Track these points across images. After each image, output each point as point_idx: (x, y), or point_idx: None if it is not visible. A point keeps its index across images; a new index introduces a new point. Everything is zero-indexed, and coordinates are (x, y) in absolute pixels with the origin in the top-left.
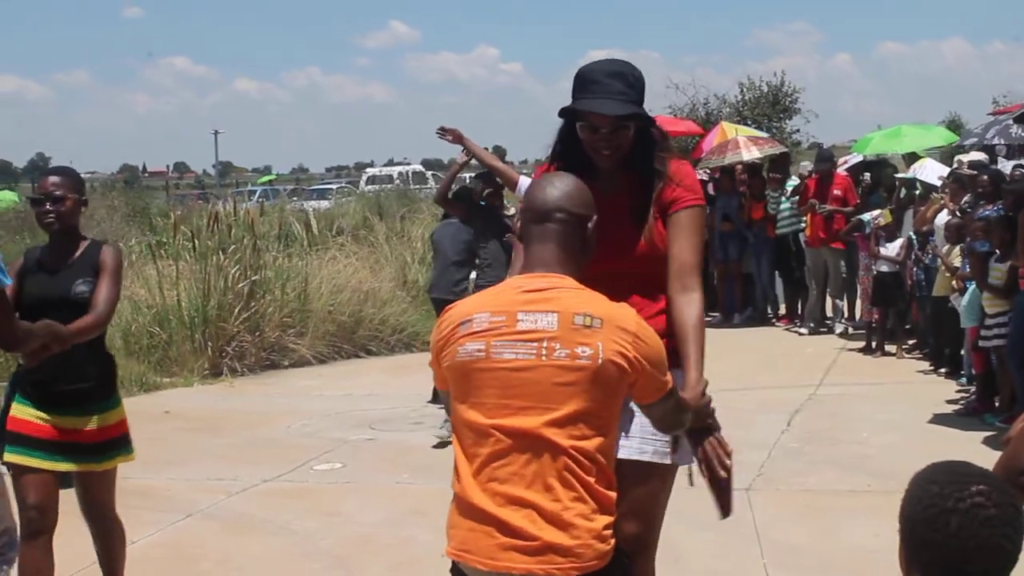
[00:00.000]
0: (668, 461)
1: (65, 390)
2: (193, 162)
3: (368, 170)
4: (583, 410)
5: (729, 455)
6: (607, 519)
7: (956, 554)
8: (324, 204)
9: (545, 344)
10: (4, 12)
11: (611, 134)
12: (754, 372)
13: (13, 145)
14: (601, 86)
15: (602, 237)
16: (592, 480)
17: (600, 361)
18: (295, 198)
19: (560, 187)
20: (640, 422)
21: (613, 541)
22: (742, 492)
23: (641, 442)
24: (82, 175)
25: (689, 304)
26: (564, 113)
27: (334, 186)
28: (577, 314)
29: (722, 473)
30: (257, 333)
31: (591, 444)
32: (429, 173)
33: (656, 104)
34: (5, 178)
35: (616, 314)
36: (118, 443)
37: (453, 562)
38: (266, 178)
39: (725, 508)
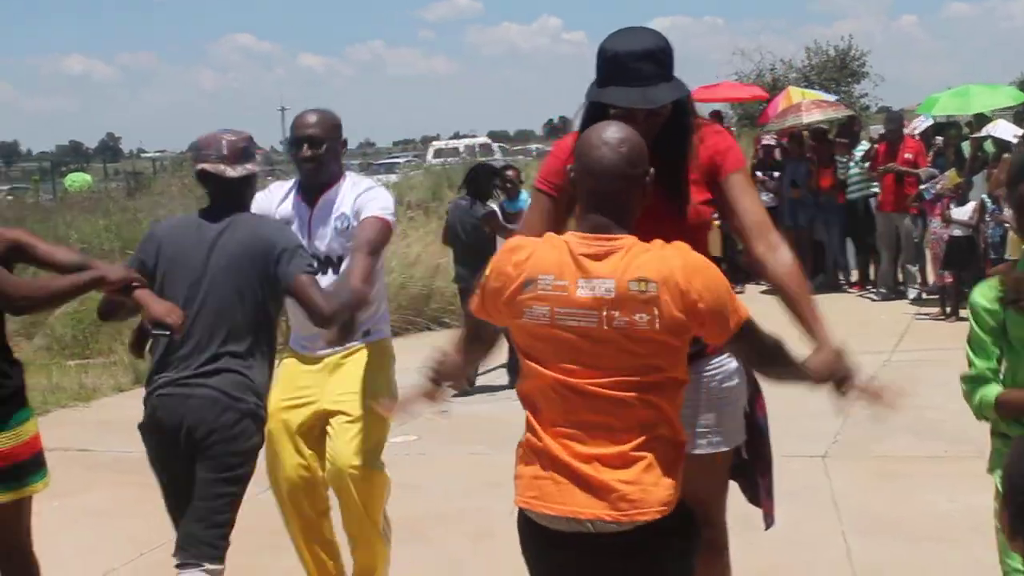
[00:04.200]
0: (722, 449)
1: None
2: (260, 138)
3: (435, 143)
4: (647, 371)
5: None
6: (673, 470)
7: None
8: (392, 178)
9: (605, 312)
10: None
11: (646, 120)
12: None
13: (84, 126)
14: (631, 72)
15: None
16: (659, 432)
17: (658, 325)
18: (363, 172)
19: (615, 146)
20: (694, 417)
21: (678, 494)
22: (818, 460)
23: (695, 436)
24: (151, 154)
25: (782, 261)
26: (592, 102)
27: (401, 160)
28: (632, 280)
29: (895, 404)
30: None
31: (657, 399)
32: (495, 145)
33: (722, 71)
34: (77, 159)
35: (669, 271)
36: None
37: (520, 511)
38: None
39: (768, 518)
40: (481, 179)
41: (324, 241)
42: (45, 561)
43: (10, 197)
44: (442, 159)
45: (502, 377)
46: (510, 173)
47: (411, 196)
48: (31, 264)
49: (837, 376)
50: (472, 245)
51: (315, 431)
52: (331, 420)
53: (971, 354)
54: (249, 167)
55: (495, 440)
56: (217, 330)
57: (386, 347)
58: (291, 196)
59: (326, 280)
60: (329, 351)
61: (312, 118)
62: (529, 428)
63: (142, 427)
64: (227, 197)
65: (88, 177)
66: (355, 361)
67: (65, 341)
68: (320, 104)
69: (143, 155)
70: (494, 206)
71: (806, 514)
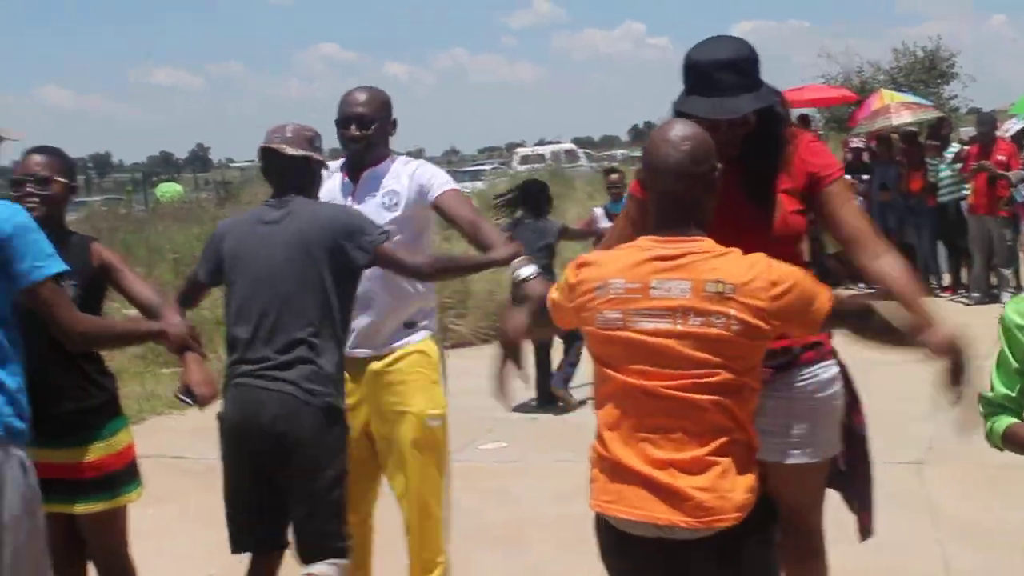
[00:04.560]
0: (815, 460)
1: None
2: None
3: (519, 150)
4: (721, 374)
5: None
6: (748, 475)
7: None
8: (479, 185)
9: (679, 314)
10: (158, 5)
11: (730, 130)
12: None
13: (174, 137)
14: (713, 83)
15: (718, 217)
16: (733, 436)
17: (734, 328)
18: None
19: (680, 145)
20: (788, 427)
21: (754, 496)
22: (914, 466)
23: (789, 446)
24: (240, 163)
25: (893, 266)
26: (678, 113)
27: (487, 167)
28: (709, 282)
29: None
30: None
31: (731, 403)
32: (581, 151)
33: (808, 73)
34: (168, 169)
35: (747, 275)
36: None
37: (597, 515)
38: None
39: (864, 528)
40: (537, 195)
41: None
42: (142, 567)
43: (104, 208)
44: (528, 165)
45: (587, 387)
46: (614, 176)
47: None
48: (115, 289)
49: (957, 353)
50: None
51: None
52: (391, 448)
53: (994, 375)
54: (310, 153)
55: (584, 447)
56: (286, 320)
57: (432, 350)
58: (336, 174)
59: None
60: (368, 353)
61: (362, 96)
62: (602, 433)
63: (220, 416)
64: (286, 177)
65: (179, 187)
66: (405, 373)
67: (159, 350)
68: (403, 112)
69: (232, 164)
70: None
71: (901, 521)
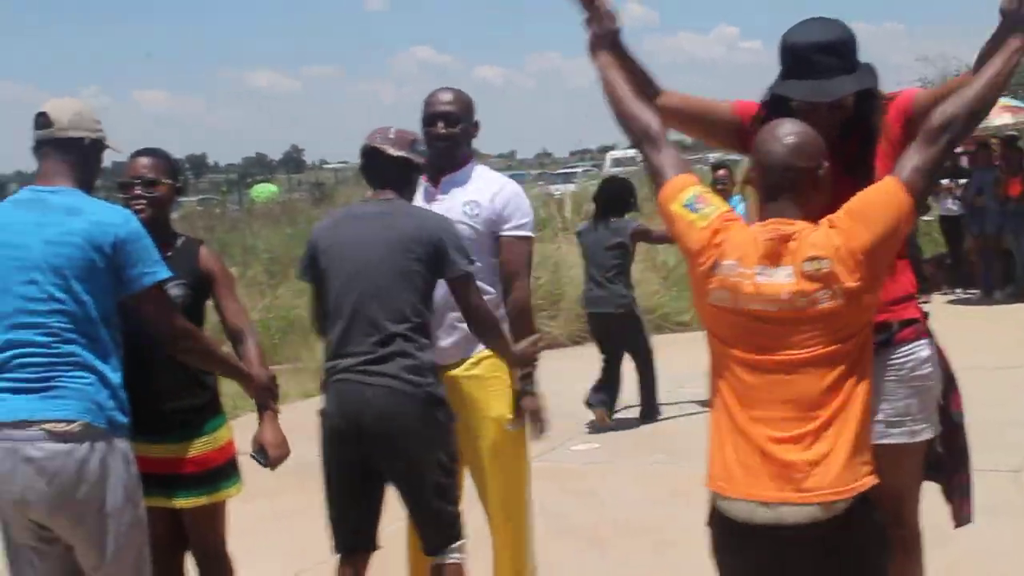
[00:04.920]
0: (917, 439)
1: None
2: None
3: (612, 152)
4: (833, 351)
5: None
6: (862, 454)
7: None
8: (571, 187)
9: (785, 296)
10: (254, 8)
11: (829, 113)
12: (1016, 349)
13: (268, 138)
14: (811, 65)
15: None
16: (846, 414)
17: (840, 300)
18: (540, 183)
19: (787, 141)
20: (884, 405)
21: (868, 479)
22: (1010, 474)
23: (885, 425)
24: (333, 165)
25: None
26: (775, 97)
27: (579, 169)
28: (806, 260)
29: None
30: None
31: (842, 379)
32: None
33: (904, 76)
34: (262, 170)
35: (834, 239)
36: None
37: (711, 510)
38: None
39: (961, 515)
40: (616, 194)
41: None
42: (239, 561)
43: (199, 208)
44: (621, 168)
45: (679, 390)
46: (721, 172)
47: (589, 205)
48: (211, 299)
49: None
50: (618, 264)
51: None
52: (472, 452)
53: None
54: (411, 156)
55: (676, 450)
56: (382, 314)
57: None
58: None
59: None
60: (446, 360)
61: (448, 95)
62: (716, 410)
63: (322, 412)
64: (386, 176)
65: (274, 188)
66: (482, 379)
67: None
68: (495, 115)
69: (326, 166)
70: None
71: (1002, 529)
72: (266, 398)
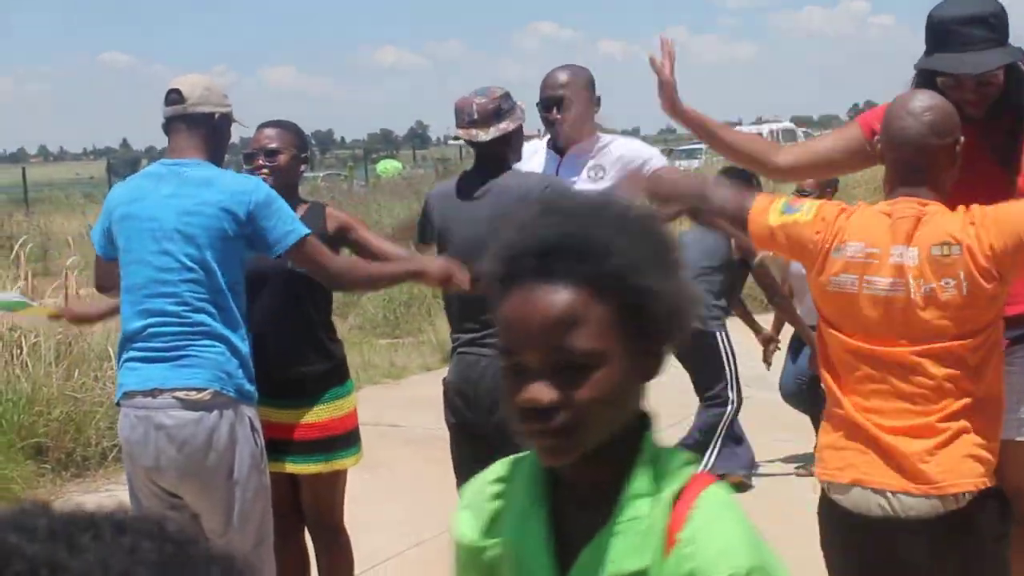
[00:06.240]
0: None
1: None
2: None
3: (737, 128)
4: (957, 339)
5: None
6: (983, 446)
7: None
8: (695, 164)
9: (910, 279)
10: None
11: (977, 88)
12: None
13: (393, 114)
14: (959, 37)
15: (960, 180)
16: (967, 404)
17: (965, 290)
18: (665, 159)
19: (924, 118)
20: (1015, 399)
21: (990, 473)
22: None
23: (1017, 419)
24: (458, 141)
25: None
26: (922, 71)
27: (703, 145)
28: (935, 245)
29: None
30: None
31: (965, 368)
32: (800, 130)
33: None
34: (387, 146)
35: (969, 230)
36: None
37: (822, 498)
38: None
39: None
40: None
41: None
42: (356, 531)
43: (325, 183)
44: None
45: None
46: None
47: None
48: (351, 248)
49: None
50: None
51: None
52: None
53: None
54: (503, 127)
55: (796, 426)
56: None
57: None
58: (542, 150)
59: None
60: None
61: (562, 77)
62: (831, 398)
63: (445, 381)
64: (483, 161)
65: (398, 163)
66: None
67: (376, 321)
68: (619, 90)
69: (450, 142)
70: None
71: None
72: (448, 273)
